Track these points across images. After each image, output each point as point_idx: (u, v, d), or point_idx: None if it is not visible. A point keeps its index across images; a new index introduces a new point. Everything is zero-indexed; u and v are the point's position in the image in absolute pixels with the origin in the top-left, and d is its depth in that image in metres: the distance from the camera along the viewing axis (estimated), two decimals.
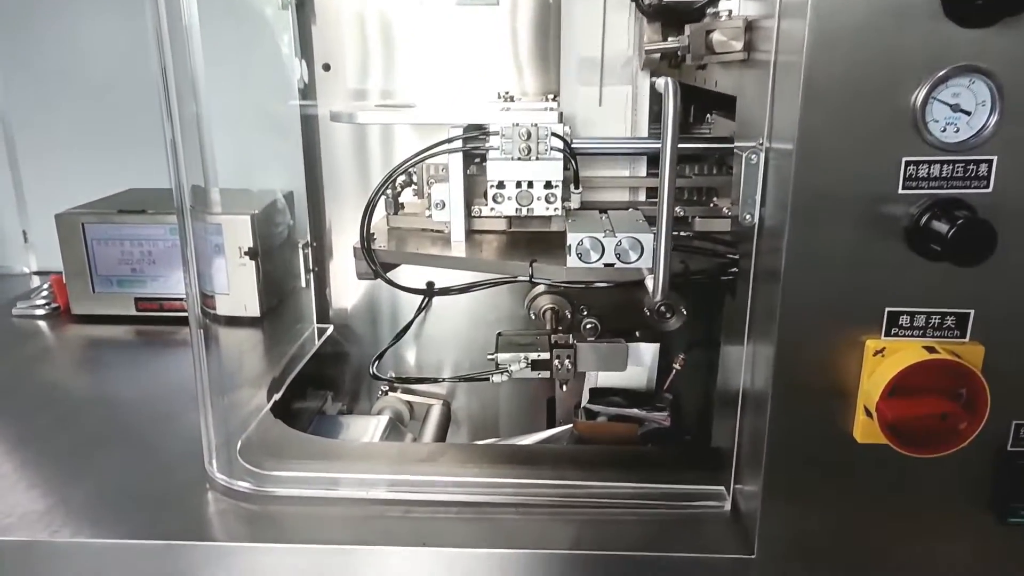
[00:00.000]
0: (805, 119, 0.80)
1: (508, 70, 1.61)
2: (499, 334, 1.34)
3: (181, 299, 1.77)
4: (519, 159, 1.12)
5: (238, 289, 1.68)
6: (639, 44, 1.18)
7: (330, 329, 1.73)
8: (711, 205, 1.23)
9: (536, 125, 1.11)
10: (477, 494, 1.04)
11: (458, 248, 1.19)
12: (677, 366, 1.45)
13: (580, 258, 1.05)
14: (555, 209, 1.13)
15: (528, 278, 1.08)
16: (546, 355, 1.26)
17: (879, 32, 0.77)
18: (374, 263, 1.16)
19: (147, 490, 1.08)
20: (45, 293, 1.86)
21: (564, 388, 1.51)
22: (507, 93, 1.46)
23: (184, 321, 1.21)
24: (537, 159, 1.12)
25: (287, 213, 1.77)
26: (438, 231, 1.25)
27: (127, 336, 1.72)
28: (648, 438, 1.39)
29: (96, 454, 1.18)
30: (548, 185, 1.12)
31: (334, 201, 1.77)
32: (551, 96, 1.43)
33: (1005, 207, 0.79)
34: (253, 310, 1.68)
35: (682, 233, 1.13)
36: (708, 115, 1.43)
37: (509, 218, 1.24)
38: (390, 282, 1.21)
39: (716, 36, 0.98)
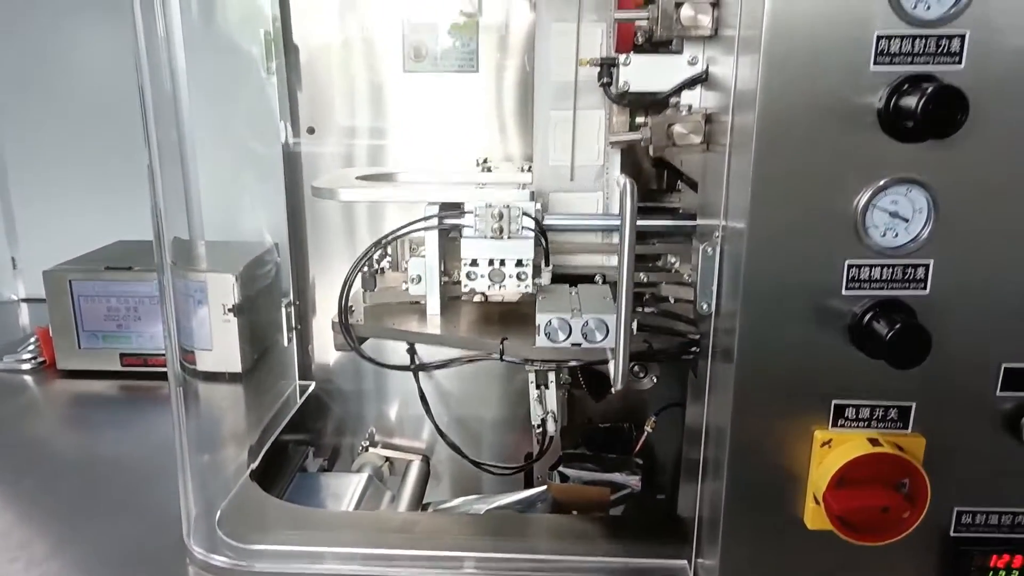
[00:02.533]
0: (755, 216, 0.85)
1: (490, 133, 1.66)
2: None
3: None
4: (492, 238, 1.16)
5: (221, 345, 1.71)
6: (609, 126, 1.23)
7: (312, 386, 1.76)
8: (673, 271, 1.27)
9: (508, 206, 1.15)
10: (450, 568, 1.07)
11: (433, 322, 1.23)
12: (649, 428, 1.49)
13: (548, 338, 1.08)
14: (526, 287, 1.17)
15: (499, 356, 1.12)
16: None
17: (823, 138, 0.81)
18: (352, 339, 1.20)
19: (128, 562, 1.10)
20: (31, 347, 1.89)
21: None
22: (485, 161, 1.51)
23: None
24: (509, 238, 1.16)
25: (271, 267, 1.81)
26: (415, 302, 1.29)
27: (112, 391, 1.75)
28: (621, 500, 1.43)
29: (78, 522, 1.21)
30: (520, 263, 1.16)
31: (317, 255, 1.81)
32: (526, 167, 1.47)
33: (941, 306, 0.84)
34: (235, 366, 1.71)
35: (646, 310, 1.18)
36: (678, 181, 1.48)
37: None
38: (369, 359, 1.25)
39: (677, 129, 1.02)
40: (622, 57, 1.08)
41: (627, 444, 1.57)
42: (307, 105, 1.67)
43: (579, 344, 1.08)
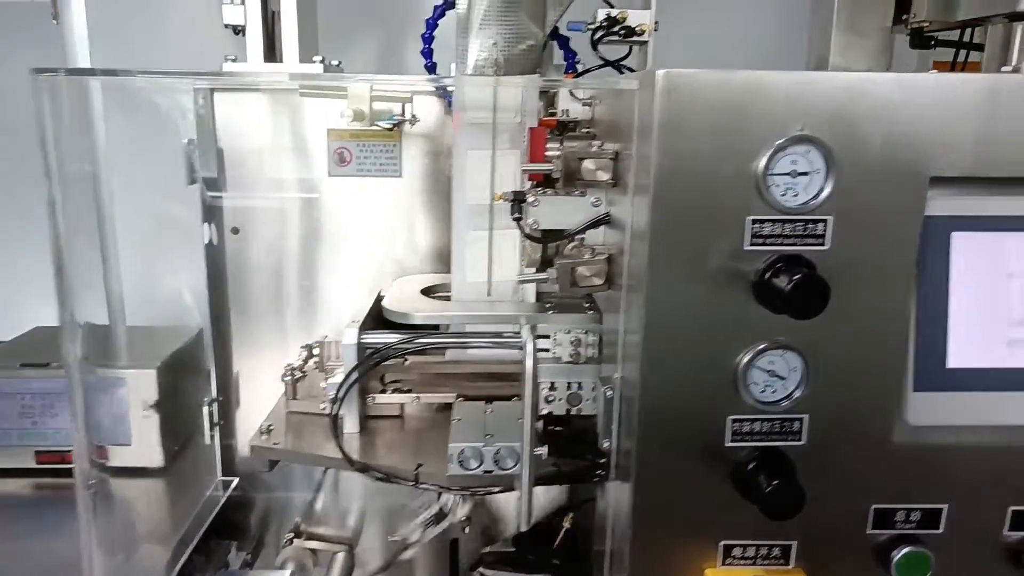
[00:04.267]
0: (646, 366, 0.91)
1: (410, 233, 1.71)
2: None
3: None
4: (569, 363, 1.19)
5: (141, 440, 1.69)
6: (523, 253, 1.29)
7: (235, 481, 1.76)
8: None
9: (587, 332, 1.18)
10: None
11: (351, 440, 1.26)
12: (567, 524, 1.53)
13: (461, 466, 1.13)
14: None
15: (413, 482, 1.16)
16: None
17: (706, 295, 0.89)
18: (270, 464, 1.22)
19: None
20: None
21: (466, 531, 1.58)
22: None
23: None
24: (586, 363, 1.18)
25: (193, 354, 1.81)
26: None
27: (27, 491, 1.71)
28: None
29: None
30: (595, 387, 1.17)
31: (241, 346, 1.81)
32: None
33: (816, 455, 0.92)
34: (156, 461, 1.70)
35: (557, 428, 1.23)
36: None
37: (402, 406, 1.33)
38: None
39: (581, 271, 1.09)
40: (531, 198, 1.14)
41: (549, 538, 1.61)
42: (231, 206, 1.69)
43: (491, 472, 1.13)
